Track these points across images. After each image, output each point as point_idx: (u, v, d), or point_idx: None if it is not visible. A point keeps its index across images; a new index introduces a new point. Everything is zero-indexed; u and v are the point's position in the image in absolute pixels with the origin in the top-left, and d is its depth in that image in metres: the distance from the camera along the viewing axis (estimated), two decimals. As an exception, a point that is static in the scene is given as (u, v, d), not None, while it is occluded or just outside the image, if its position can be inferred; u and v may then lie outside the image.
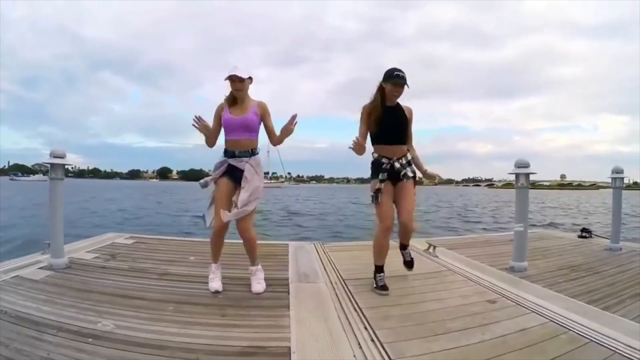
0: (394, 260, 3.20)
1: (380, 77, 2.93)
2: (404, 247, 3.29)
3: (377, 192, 2.90)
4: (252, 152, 2.87)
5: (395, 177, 2.95)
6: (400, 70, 2.87)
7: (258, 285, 2.86)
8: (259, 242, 2.99)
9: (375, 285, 2.93)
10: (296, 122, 2.83)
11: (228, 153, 2.87)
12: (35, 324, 2.11)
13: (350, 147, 2.79)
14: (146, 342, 1.96)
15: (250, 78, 2.82)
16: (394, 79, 2.85)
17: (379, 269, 2.99)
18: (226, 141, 2.88)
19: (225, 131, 2.86)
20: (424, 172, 3.14)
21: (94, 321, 2.17)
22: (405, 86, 2.87)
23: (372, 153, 3.03)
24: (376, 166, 2.97)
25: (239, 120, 2.81)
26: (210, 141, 2.94)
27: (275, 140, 2.94)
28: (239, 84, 2.77)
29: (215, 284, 2.81)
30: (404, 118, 2.97)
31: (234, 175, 2.84)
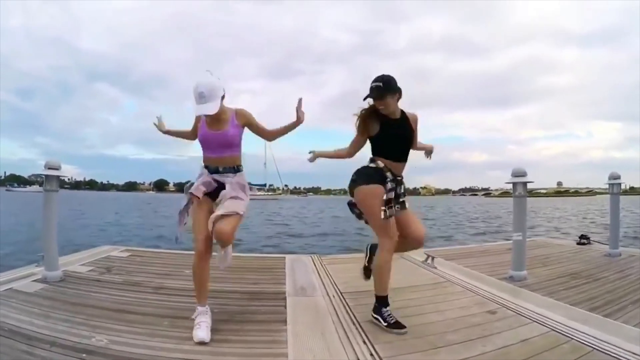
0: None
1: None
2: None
3: (388, 203, 2.38)
4: (237, 169, 2.56)
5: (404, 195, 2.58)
6: (377, 80, 2.46)
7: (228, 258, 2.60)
8: (255, 255, 2.94)
9: (386, 324, 2.37)
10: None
11: (210, 169, 2.54)
12: (28, 338, 2.06)
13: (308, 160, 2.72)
14: (140, 359, 1.92)
15: (222, 96, 2.46)
16: (370, 94, 2.46)
17: (383, 301, 2.48)
18: (206, 158, 2.57)
19: (203, 147, 2.57)
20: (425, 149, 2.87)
21: (88, 336, 2.13)
22: (393, 94, 2.46)
23: (371, 158, 2.57)
24: (378, 174, 2.47)
25: (218, 137, 2.50)
26: (188, 138, 2.73)
27: (270, 135, 2.65)
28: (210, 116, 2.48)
29: (202, 332, 2.18)
30: (409, 128, 2.59)
31: (219, 189, 2.53)
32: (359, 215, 2.61)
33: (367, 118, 2.52)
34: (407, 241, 2.54)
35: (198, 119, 2.58)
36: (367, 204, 2.46)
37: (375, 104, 2.47)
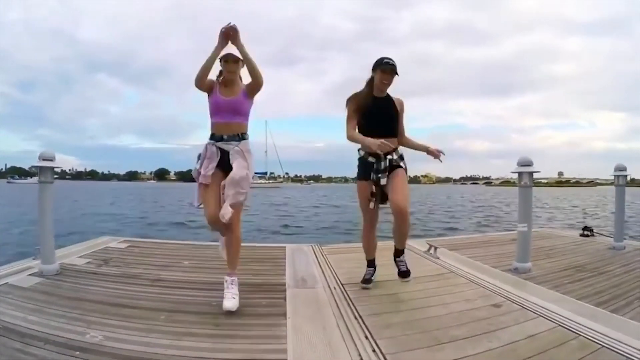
0: (391, 262, 3.03)
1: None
2: (398, 253, 2.98)
3: (372, 195, 2.85)
4: (242, 137, 2.68)
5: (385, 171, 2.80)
6: (389, 58, 2.76)
7: (233, 300, 2.50)
8: (255, 244, 2.89)
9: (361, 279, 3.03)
10: None
11: (215, 137, 2.66)
12: (22, 336, 2.02)
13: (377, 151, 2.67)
14: (135, 356, 1.87)
15: (242, 61, 2.65)
16: (382, 66, 2.74)
17: (369, 263, 3.09)
18: (213, 124, 2.69)
19: (212, 112, 2.68)
20: (426, 150, 2.97)
21: (83, 332, 2.08)
22: (396, 75, 2.78)
23: (359, 149, 2.92)
24: (365, 165, 2.88)
25: (228, 102, 2.65)
26: (204, 73, 2.60)
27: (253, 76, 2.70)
28: (233, 64, 2.64)
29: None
30: (394, 109, 2.88)
31: (222, 160, 2.64)
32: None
33: (359, 102, 2.84)
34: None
35: (211, 81, 2.68)
36: (358, 197, 2.98)
37: (384, 77, 2.77)
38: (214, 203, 2.61)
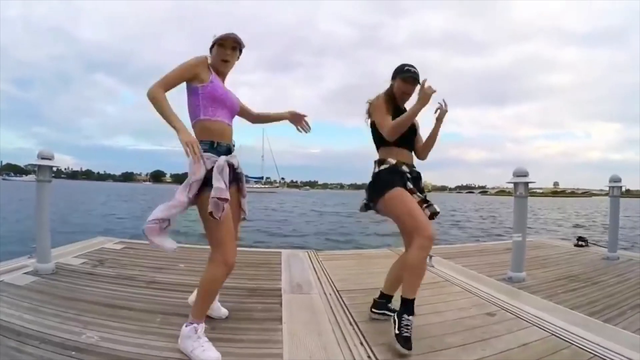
0: (387, 270, 2.66)
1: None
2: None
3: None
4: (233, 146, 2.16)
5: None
6: (410, 65, 2.36)
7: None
8: (250, 249, 2.89)
9: (398, 332, 2.05)
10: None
11: (221, 147, 2.03)
12: (17, 334, 2.01)
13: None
14: (131, 357, 1.86)
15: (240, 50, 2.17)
16: (403, 74, 2.33)
17: (409, 306, 2.13)
18: (212, 122, 2.02)
19: (211, 105, 2.02)
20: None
21: (78, 332, 2.08)
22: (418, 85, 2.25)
23: (381, 158, 2.39)
24: (399, 174, 2.31)
25: (232, 99, 2.14)
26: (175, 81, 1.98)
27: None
28: (231, 52, 2.11)
29: (214, 353, 1.89)
30: (415, 122, 2.42)
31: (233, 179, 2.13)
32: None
33: (389, 101, 2.37)
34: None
35: (196, 64, 2.00)
36: (401, 208, 2.24)
37: (405, 87, 2.35)
38: (233, 239, 2.07)
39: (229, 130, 2.12)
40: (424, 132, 2.52)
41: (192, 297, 2.25)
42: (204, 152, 1.95)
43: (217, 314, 2.40)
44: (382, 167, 2.35)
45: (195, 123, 2.03)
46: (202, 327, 1.97)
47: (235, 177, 2.15)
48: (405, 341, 2.01)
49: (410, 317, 2.09)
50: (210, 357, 1.86)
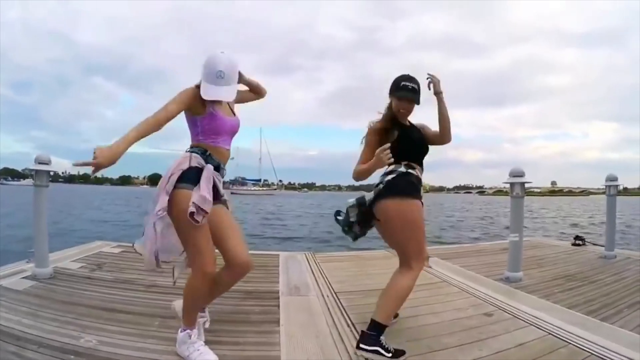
0: (384, 272, 2.67)
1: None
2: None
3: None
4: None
5: None
6: (408, 79, 2.19)
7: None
8: (249, 252, 2.87)
9: (390, 354, 1.96)
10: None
11: (212, 160, 2.01)
12: (16, 339, 2.02)
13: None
14: (129, 361, 1.87)
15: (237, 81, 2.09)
16: (398, 92, 2.18)
17: (382, 329, 2.04)
18: (210, 147, 2.01)
19: (211, 132, 2.01)
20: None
21: (77, 336, 2.08)
22: (415, 103, 2.20)
23: (389, 170, 2.15)
24: (414, 183, 2.16)
25: (231, 123, 2.10)
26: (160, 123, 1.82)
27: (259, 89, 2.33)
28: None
29: (210, 356, 1.92)
30: (423, 136, 2.33)
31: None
32: (356, 234, 2.30)
33: (388, 130, 2.19)
34: None
35: (191, 95, 1.93)
36: (414, 219, 2.10)
37: (401, 105, 2.19)
38: (212, 246, 1.97)
39: (226, 154, 2.11)
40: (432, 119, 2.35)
41: (175, 303, 2.21)
42: (194, 153, 1.96)
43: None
44: (410, 171, 2.16)
45: (196, 142, 2.04)
46: (195, 332, 1.97)
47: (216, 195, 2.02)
48: (400, 353, 1.99)
49: (383, 336, 2.02)
50: None
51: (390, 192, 2.10)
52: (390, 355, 1.95)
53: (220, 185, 2.05)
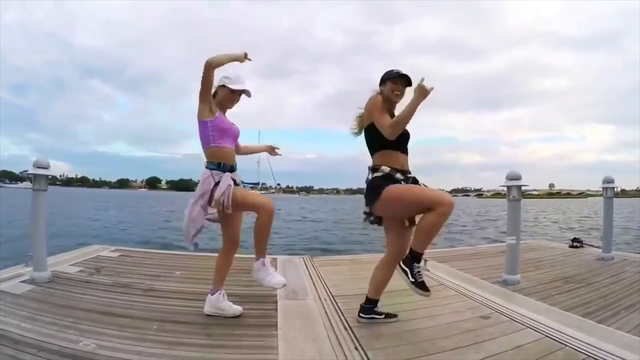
0: None
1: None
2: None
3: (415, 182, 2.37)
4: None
5: None
6: (399, 70, 2.40)
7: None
8: (247, 255, 2.90)
9: (413, 280, 2.30)
10: None
11: (226, 167, 2.50)
12: (15, 342, 2.02)
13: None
14: (128, 364, 1.88)
15: None
16: (394, 75, 2.37)
17: (418, 257, 2.36)
18: (219, 149, 2.49)
19: (219, 135, 2.48)
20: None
21: (76, 340, 2.09)
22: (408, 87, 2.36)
23: (375, 166, 2.38)
24: (388, 179, 2.30)
25: (234, 128, 2.61)
26: (222, 63, 2.43)
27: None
28: (238, 97, 2.61)
29: (282, 278, 2.55)
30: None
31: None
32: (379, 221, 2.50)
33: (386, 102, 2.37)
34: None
35: (211, 98, 2.48)
36: (398, 195, 2.25)
37: (396, 87, 2.37)
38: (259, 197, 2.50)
39: (232, 153, 2.58)
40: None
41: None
42: (212, 170, 2.45)
43: (232, 312, 2.60)
44: (376, 175, 2.34)
45: (206, 149, 2.51)
46: (268, 260, 2.60)
47: None
48: (422, 286, 2.28)
49: (420, 265, 2.31)
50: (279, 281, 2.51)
51: (371, 197, 2.33)
52: (412, 280, 2.30)
53: (237, 179, 2.55)
